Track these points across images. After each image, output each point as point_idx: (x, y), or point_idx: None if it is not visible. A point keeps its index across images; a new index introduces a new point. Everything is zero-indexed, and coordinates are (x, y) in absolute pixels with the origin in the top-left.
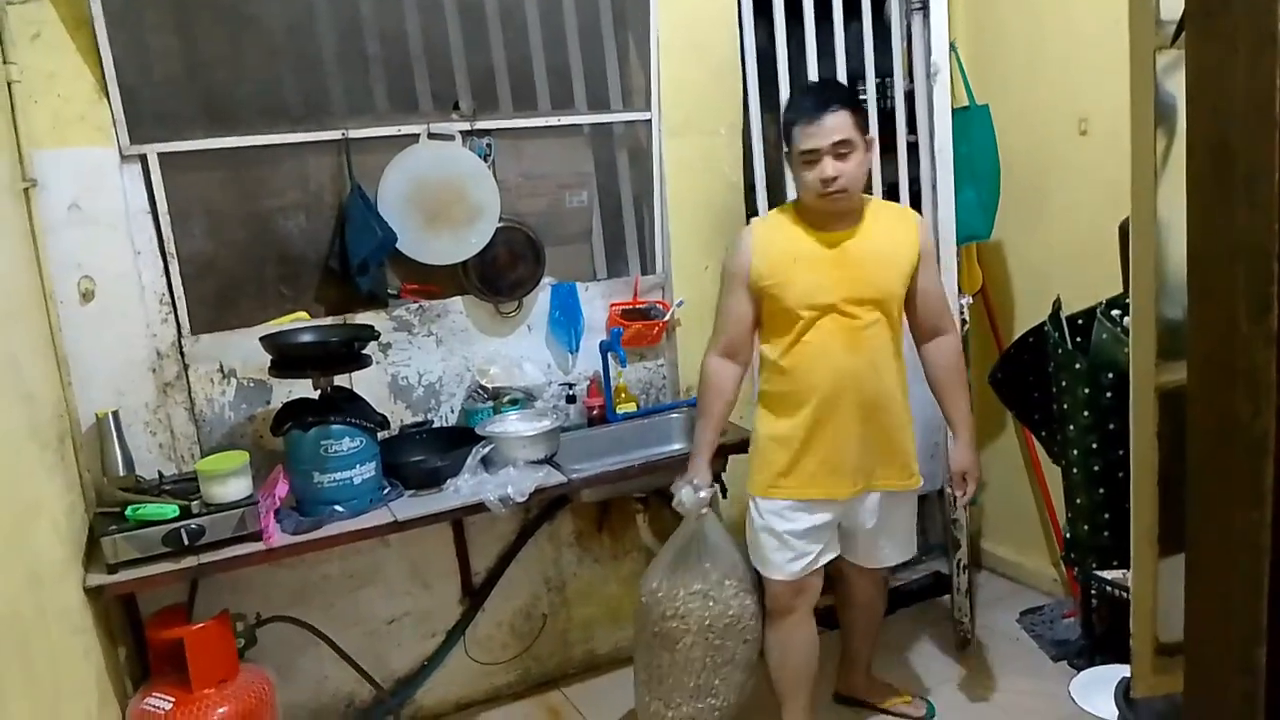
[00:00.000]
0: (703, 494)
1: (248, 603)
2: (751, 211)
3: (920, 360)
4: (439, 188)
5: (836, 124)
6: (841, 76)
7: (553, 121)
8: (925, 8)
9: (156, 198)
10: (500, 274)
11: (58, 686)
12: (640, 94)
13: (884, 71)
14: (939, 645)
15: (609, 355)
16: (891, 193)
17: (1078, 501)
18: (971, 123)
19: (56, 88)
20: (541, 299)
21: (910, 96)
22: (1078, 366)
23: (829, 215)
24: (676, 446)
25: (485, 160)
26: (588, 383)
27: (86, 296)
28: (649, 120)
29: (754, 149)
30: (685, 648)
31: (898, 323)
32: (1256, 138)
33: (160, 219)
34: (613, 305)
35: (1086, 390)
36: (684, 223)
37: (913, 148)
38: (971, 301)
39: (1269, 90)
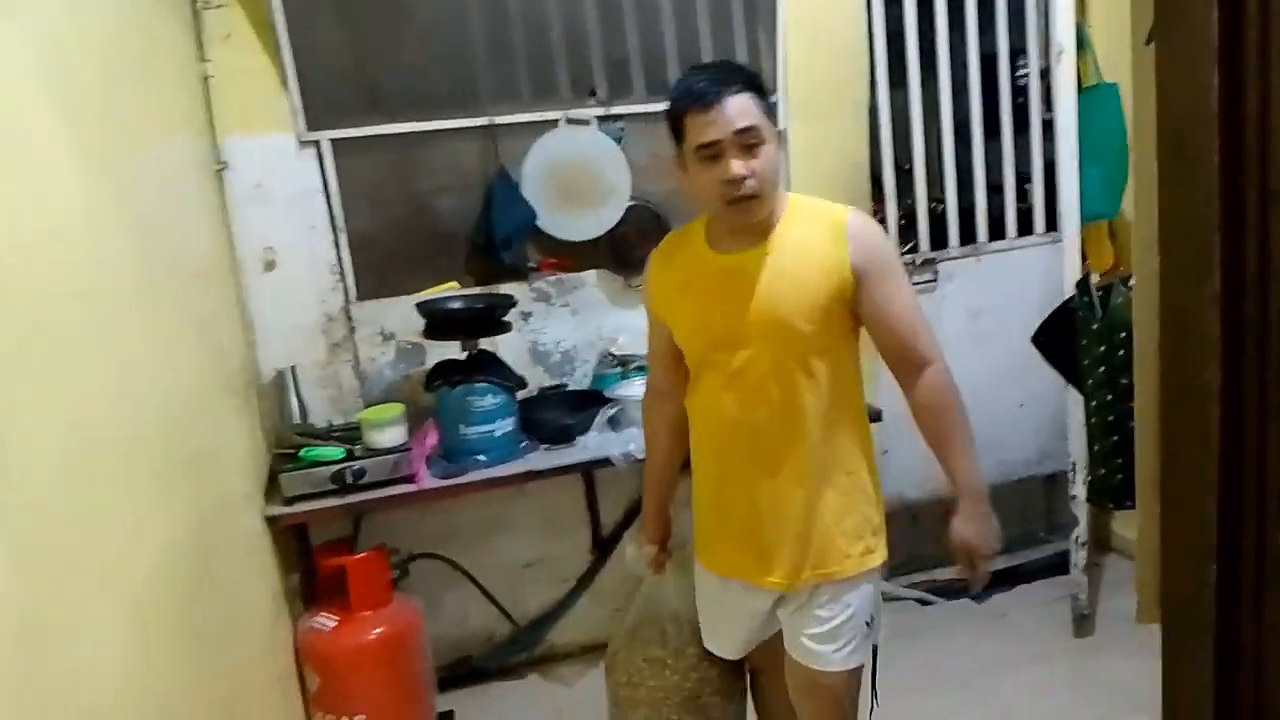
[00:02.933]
0: (644, 550)
1: (402, 540)
2: (877, 193)
3: (911, 409)
4: (575, 169)
5: (740, 108)
6: (974, 55)
7: None
8: None
9: (328, 179)
10: (629, 250)
11: (239, 599)
12: (768, 76)
13: (1017, 50)
14: (1057, 624)
15: None
16: (1022, 175)
17: (1095, 448)
18: (1100, 101)
19: (244, 81)
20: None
21: (1045, 74)
22: (1094, 327)
23: (732, 230)
24: None
25: (618, 143)
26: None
27: (268, 266)
28: (775, 103)
29: (882, 130)
30: None
31: (841, 362)
32: (1198, 127)
33: (331, 198)
34: None
35: (1102, 348)
36: None
37: (1048, 125)
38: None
39: (1207, 87)
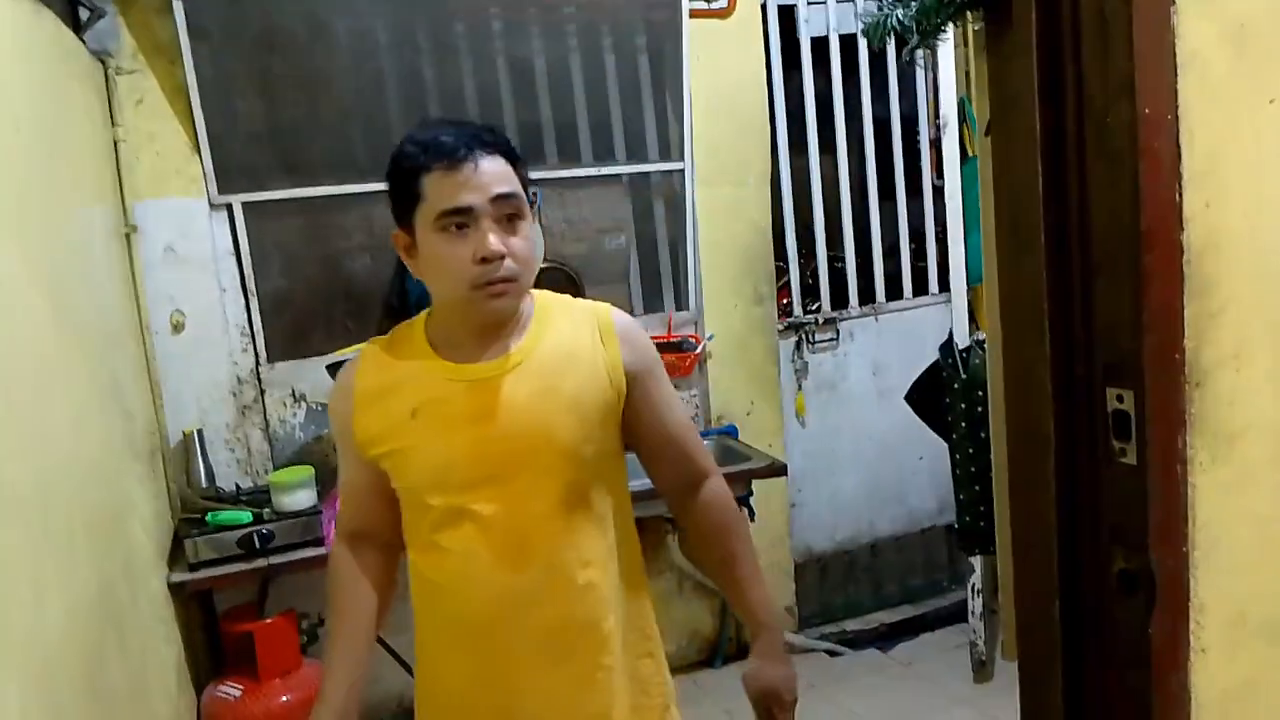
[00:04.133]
0: None
1: (311, 604)
2: (779, 256)
3: (685, 534)
4: None
5: (498, 171)
6: (869, 125)
7: (593, 172)
8: (931, 66)
9: (240, 241)
10: None
11: (144, 667)
12: (675, 146)
13: (910, 119)
14: (959, 670)
15: None
16: (916, 237)
17: (961, 496)
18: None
19: (156, 146)
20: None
21: (935, 144)
22: (956, 386)
23: (476, 330)
24: None
25: (532, 208)
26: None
27: (177, 328)
28: (682, 170)
29: (784, 195)
30: None
31: (619, 491)
32: (1029, 209)
33: (243, 260)
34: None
35: (963, 405)
36: (715, 263)
37: (939, 191)
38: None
39: (1034, 174)
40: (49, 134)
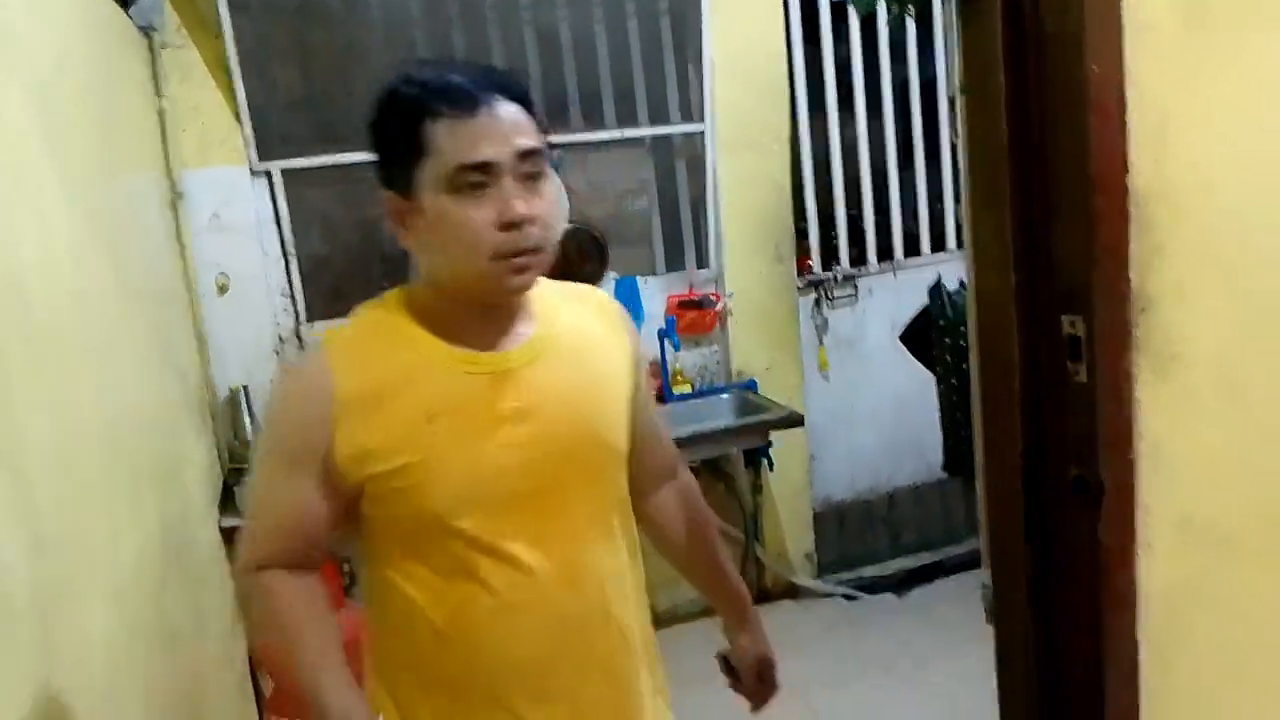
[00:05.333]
0: None
1: (349, 550)
2: (800, 217)
3: (649, 524)
4: None
5: (519, 122)
6: (887, 87)
7: (616, 135)
8: (949, 27)
9: (280, 207)
10: (570, 269)
11: (201, 605)
12: (696, 109)
13: (929, 81)
14: (975, 614)
15: (665, 341)
16: (936, 196)
17: (946, 423)
18: None
19: (200, 117)
20: (606, 291)
21: (953, 103)
22: (942, 324)
23: (481, 313)
24: (725, 421)
25: (557, 170)
26: (647, 366)
27: (223, 290)
28: (703, 132)
29: (803, 156)
30: None
31: (627, 496)
32: (997, 158)
33: (283, 225)
34: (670, 297)
35: (947, 340)
36: (735, 223)
37: (957, 150)
38: None
39: (1000, 130)
40: (106, 105)
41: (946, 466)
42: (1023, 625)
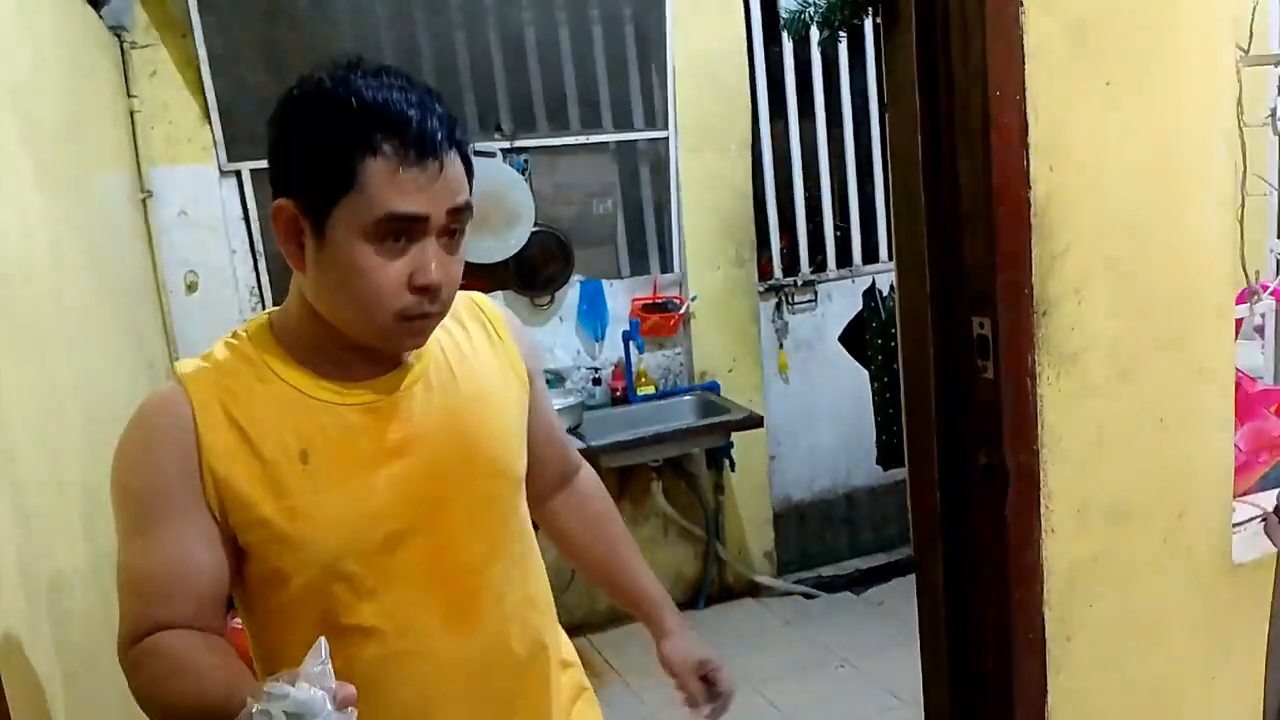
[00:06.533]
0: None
1: None
2: (761, 221)
3: (548, 529)
4: (483, 198)
5: (459, 174)
6: (845, 94)
7: (582, 140)
8: None
9: (249, 206)
10: (536, 271)
11: None
12: (660, 115)
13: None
14: None
15: (629, 343)
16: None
17: (879, 418)
18: None
19: (169, 115)
20: (571, 293)
21: None
22: (875, 325)
23: (357, 348)
24: (688, 421)
25: (523, 174)
26: (612, 367)
27: (191, 288)
28: (667, 138)
29: (764, 162)
30: None
31: (527, 518)
32: (913, 172)
33: (251, 224)
34: (634, 299)
35: (879, 340)
36: (698, 227)
37: None
38: None
39: (914, 146)
40: (78, 104)
41: (880, 460)
42: (941, 604)
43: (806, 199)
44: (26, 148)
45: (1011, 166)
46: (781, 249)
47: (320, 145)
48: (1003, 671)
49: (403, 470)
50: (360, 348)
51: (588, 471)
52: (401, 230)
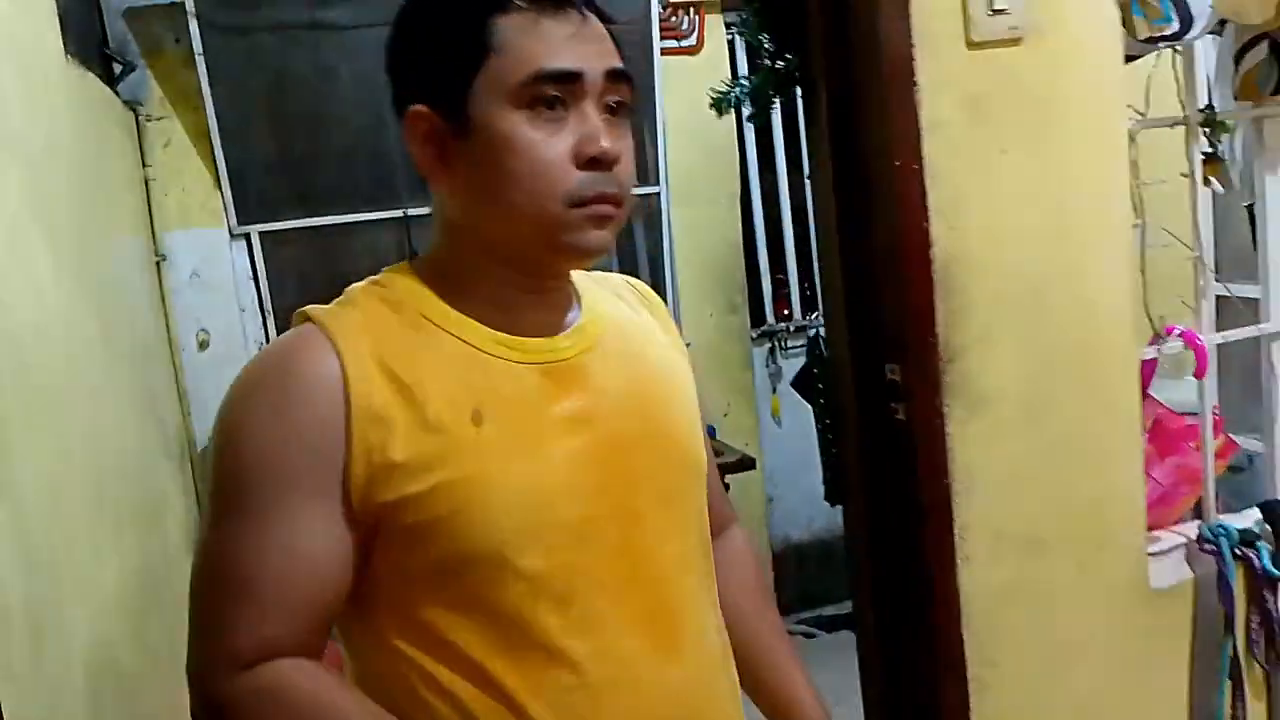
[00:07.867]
0: None
1: None
2: (753, 268)
3: None
4: None
5: (607, 37)
6: None
7: None
8: None
9: (258, 266)
10: None
11: (180, 637)
12: (652, 171)
13: None
14: None
15: None
16: None
17: (823, 458)
18: None
19: (182, 182)
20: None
21: None
22: (816, 370)
23: (528, 287)
24: None
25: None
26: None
27: (203, 346)
28: (659, 193)
29: (755, 212)
30: None
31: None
32: (830, 232)
33: (260, 283)
34: None
35: (823, 384)
36: (691, 276)
37: None
38: None
39: (830, 209)
40: (94, 176)
41: (827, 496)
42: (874, 634)
43: (796, 246)
44: (40, 223)
45: (914, 228)
46: (773, 295)
47: (445, 20)
48: (931, 699)
49: (583, 447)
50: (529, 278)
51: (741, 531)
52: (555, 96)
